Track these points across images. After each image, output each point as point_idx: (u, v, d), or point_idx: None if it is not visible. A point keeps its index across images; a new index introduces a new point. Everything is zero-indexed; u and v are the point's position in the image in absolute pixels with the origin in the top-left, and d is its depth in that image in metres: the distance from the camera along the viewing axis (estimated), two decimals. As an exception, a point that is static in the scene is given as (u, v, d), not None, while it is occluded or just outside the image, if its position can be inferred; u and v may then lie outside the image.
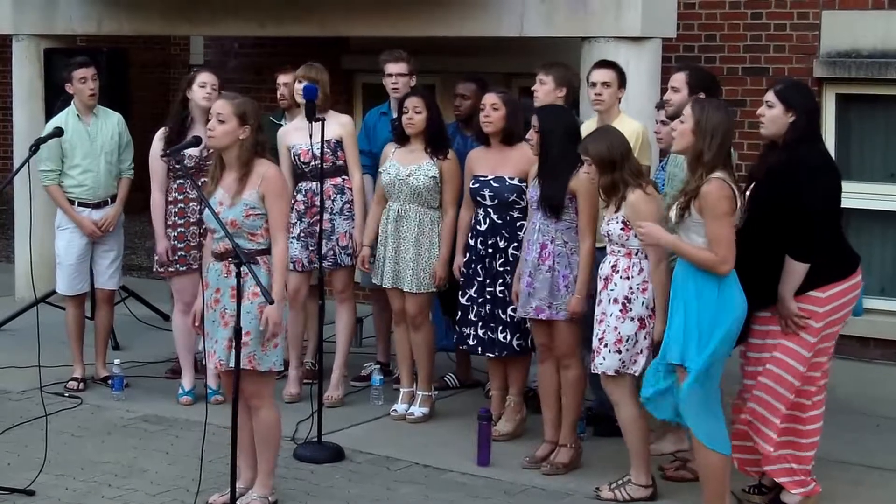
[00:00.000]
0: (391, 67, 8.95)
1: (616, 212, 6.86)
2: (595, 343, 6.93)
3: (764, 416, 6.74)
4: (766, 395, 6.74)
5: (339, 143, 8.57)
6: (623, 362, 6.85)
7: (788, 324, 6.68)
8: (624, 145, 6.90)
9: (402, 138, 8.31)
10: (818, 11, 9.97)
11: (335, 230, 8.56)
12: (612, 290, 6.87)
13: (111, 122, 9.06)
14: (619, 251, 6.90)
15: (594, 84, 7.83)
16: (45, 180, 8.92)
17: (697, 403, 6.40)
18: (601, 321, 6.91)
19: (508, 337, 7.87)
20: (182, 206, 8.62)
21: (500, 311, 7.87)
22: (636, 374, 6.83)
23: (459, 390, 9.14)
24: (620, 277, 6.85)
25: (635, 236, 6.76)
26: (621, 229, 6.82)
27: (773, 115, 6.73)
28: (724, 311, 6.34)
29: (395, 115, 8.87)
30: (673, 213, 6.45)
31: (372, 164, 8.91)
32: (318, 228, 8.18)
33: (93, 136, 8.95)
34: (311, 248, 8.51)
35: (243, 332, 6.35)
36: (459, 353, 9.02)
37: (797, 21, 10.03)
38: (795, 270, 6.64)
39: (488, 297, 7.91)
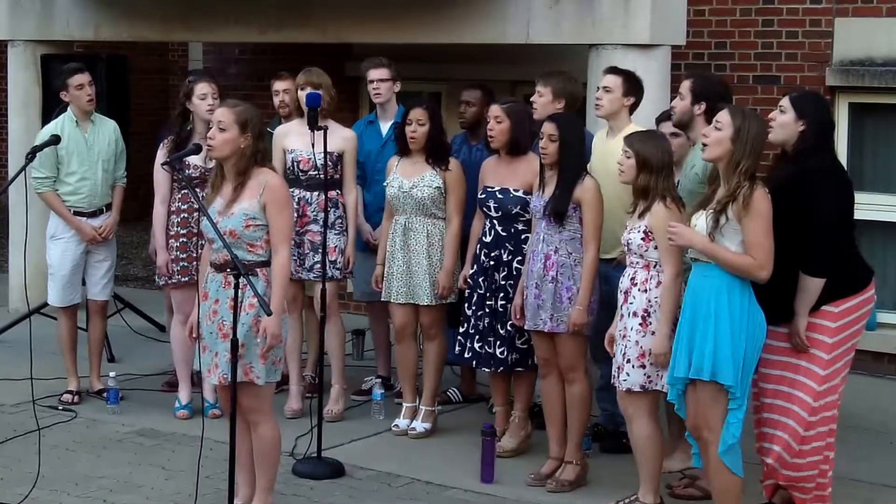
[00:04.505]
0: (372, 73, 8.90)
1: (640, 219, 6.73)
2: (619, 359, 6.80)
3: (783, 438, 6.64)
4: (781, 417, 6.66)
5: (339, 157, 8.49)
6: (649, 377, 6.71)
7: (796, 342, 6.59)
8: (670, 155, 6.81)
9: (404, 149, 8.21)
10: (831, 19, 9.89)
11: (325, 243, 8.40)
12: (631, 303, 6.74)
13: (107, 129, 8.98)
14: (637, 262, 6.77)
15: (597, 88, 7.81)
16: (40, 187, 8.81)
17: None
18: (624, 336, 6.77)
19: (505, 352, 7.78)
20: (185, 216, 8.54)
21: (498, 326, 7.79)
22: (663, 388, 6.66)
23: (463, 405, 9.07)
24: (638, 290, 6.72)
25: (655, 248, 6.65)
26: (641, 239, 6.69)
27: (783, 121, 6.68)
28: (753, 325, 6.27)
29: (380, 123, 8.90)
30: (703, 220, 6.31)
31: (360, 174, 8.86)
32: (306, 238, 8.31)
33: (90, 144, 8.86)
34: (295, 258, 8.38)
35: (239, 345, 6.27)
36: (464, 366, 8.91)
37: (809, 28, 9.95)
38: (810, 287, 6.55)
39: (488, 310, 7.83)
